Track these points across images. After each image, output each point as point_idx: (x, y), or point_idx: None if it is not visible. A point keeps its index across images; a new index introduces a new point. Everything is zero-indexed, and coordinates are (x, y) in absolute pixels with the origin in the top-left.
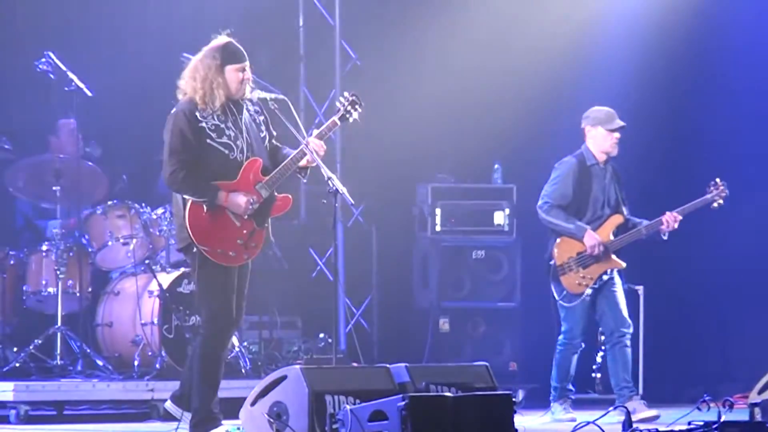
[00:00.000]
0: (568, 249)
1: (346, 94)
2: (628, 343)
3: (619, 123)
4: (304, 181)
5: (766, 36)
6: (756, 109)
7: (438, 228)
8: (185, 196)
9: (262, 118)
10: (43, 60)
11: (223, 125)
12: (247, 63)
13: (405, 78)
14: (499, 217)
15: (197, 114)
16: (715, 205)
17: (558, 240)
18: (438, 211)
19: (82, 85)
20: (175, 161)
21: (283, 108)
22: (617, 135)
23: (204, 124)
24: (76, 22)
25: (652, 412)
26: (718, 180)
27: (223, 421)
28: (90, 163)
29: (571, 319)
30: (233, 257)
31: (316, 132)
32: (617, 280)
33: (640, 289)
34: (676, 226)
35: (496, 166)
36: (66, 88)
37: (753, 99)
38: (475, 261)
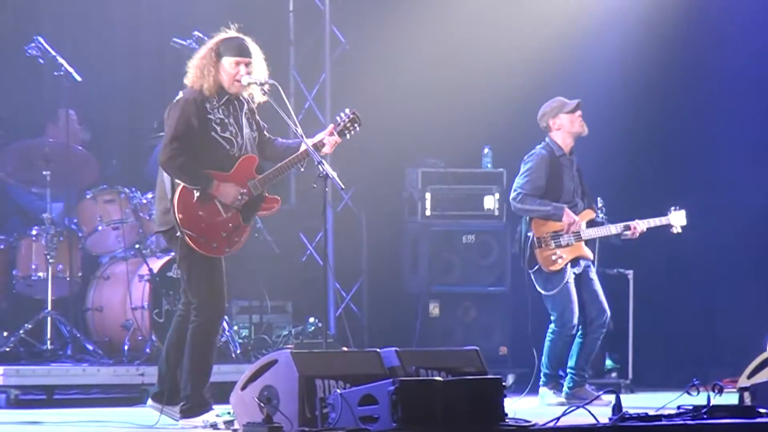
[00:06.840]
0: (543, 226)
1: (347, 110)
2: (601, 336)
3: (574, 102)
4: (302, 169)
5: (758, 31)
6: (745, 103)
7: (428, 212)
8: (176, 181)
9: (255, 118)
10: (33, 45)
11: (226, 120)
12: (248, 60)
13: (394, 62)
14: (489, 202)
15: (207, 105)
16: (674, 231)
17: (532, 220)
18: (428, 195)
19: (71, 69)
20: (177, 146)
21: (273, 93)
22: (579, 113)
23: (211, 116)
24: (67, 6)
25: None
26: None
27: (213, 406)
28: (80, 148)
29: (558, 305)
30: (215, 248)
31: (310, 141)
32: (592, 269)
33: (630, 273)
34: (637, 236)
35: (486, 150)
36: (55, 73)
37: (742, 94)
38: (465, 245)
